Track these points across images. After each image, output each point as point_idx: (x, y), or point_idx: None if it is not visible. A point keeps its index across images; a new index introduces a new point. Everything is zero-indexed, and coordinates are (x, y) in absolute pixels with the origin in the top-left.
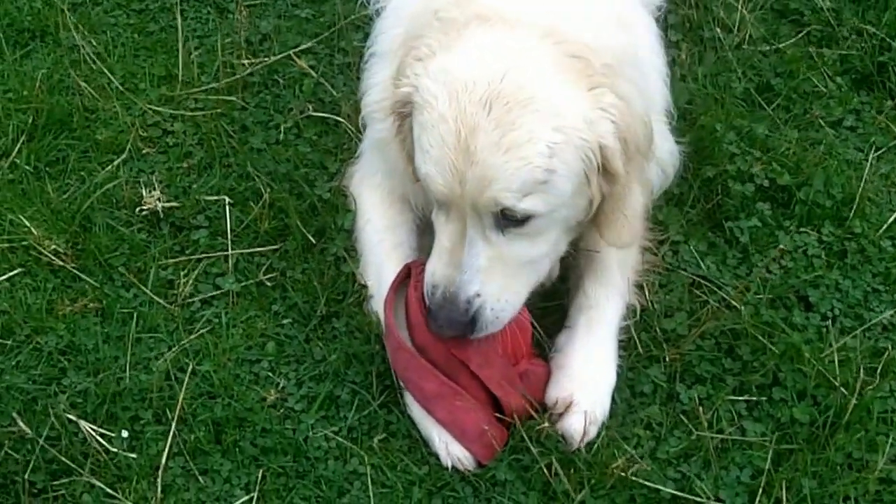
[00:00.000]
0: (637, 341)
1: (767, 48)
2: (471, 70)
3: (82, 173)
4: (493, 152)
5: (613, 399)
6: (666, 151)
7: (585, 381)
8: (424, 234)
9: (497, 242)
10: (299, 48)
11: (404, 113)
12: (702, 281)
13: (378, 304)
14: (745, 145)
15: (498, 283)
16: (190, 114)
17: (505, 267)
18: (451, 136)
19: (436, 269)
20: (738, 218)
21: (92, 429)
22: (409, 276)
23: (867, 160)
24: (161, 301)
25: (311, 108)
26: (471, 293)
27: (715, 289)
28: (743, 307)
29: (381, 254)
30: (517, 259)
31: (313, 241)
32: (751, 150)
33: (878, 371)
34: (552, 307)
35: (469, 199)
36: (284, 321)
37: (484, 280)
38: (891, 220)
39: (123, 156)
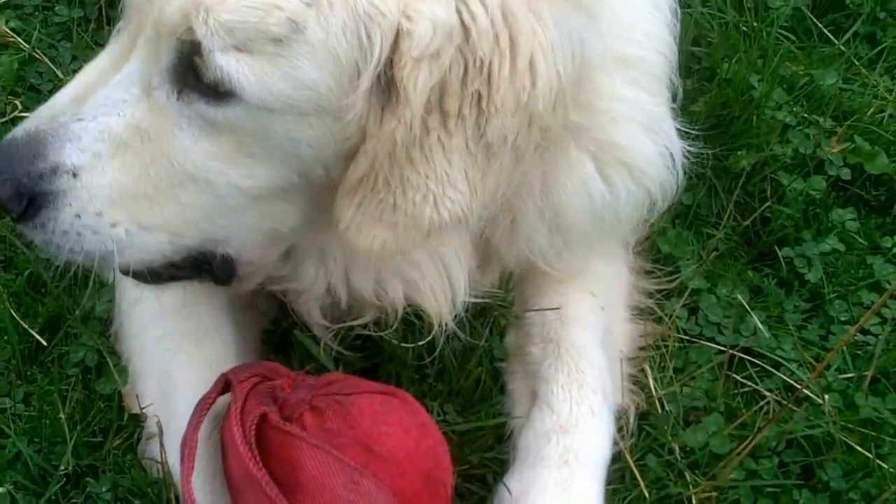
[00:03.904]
0: (638, 474)
1: None
2: None
3: None
4: None
5: None
6: (651, 154)
7: None
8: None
9: (160, 108)
10: None
11: None
12: (744, 356)
13: (170, 446)
14: (804, 109)
15: (125, 182)
16: None
17: (151, 165)
18: None
19: (61, 94)
20: (800, 240)
21: None
22: (226, 391)
23: None
24: None
25: (19, 105)
26: (64, 160)
27: (770, 368)
28: (824, 396)
29: (167, 355)
30: (176, 163)
31: (43, 343)
32: (815, 118)
33: None
34: (480, 431)
35: (157, 5)
36: (0, 490)
37: (101, 155)
38: None
39: None
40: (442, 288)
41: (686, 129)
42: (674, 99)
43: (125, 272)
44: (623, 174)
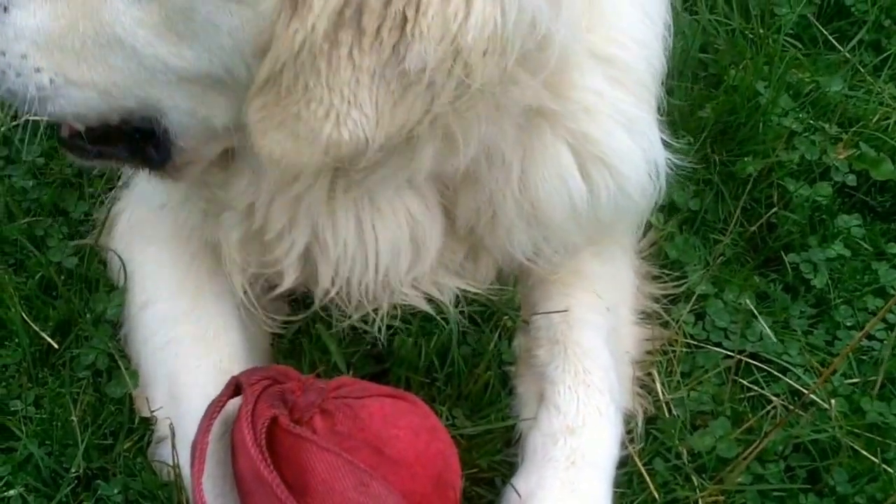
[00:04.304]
0: (648, 477)
1: None
2: None
3: None
4: None
5: None
6: (633, 157)
7: None
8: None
9: None
10: None
11: None
12: (751, 361)
13: (180, 448)
14: (810, 116)
15: (54, 29)
16: None
17: (82, 18)
18: None
19: None
20: (806, 246)
21: None
22: (237, 395)
23: None
24: None
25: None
26: None
27: (776, 373)
28: (830, 401)
29: (176, 360)
30: (105, 23)
31: (55, 345)
32: (820, 125)
33: None
34: (489, 434)
35: None
36: (11, 493)
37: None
38: None
39: None
40: (352, 266)
41: (674, 142)
42: (661, 112)
43: (59, 128)
44: (604, 174)
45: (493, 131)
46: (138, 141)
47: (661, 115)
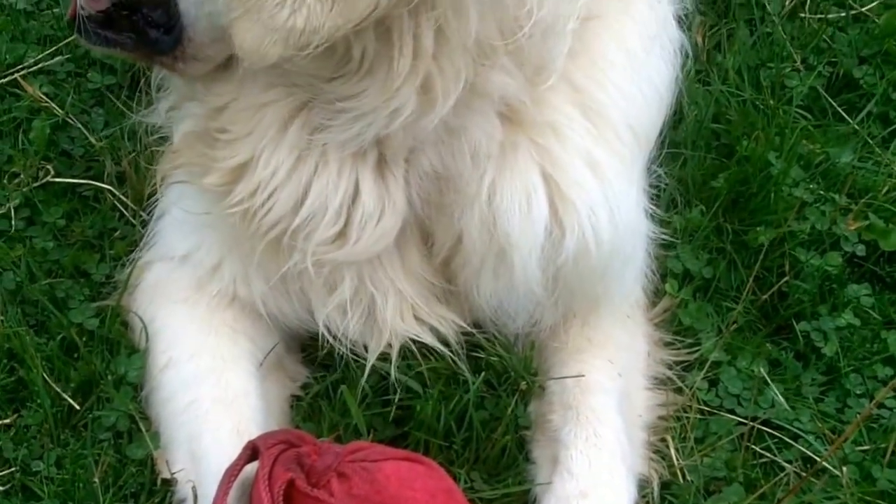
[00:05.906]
0: None
1: (843, 15)
2: None
3: None
4: None
5: None
6: (594, 199)
7: None
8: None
9: None
10: (24, 66)
11: None
12: (763, 428)
13: None
14: (820, 187)
15: None
16: None
17: None
18: None
19: None
20: (817, 314)
21: None
22: (254, 459)
23: None
24: None
25: (51, 169)
26: None
27: (788, 440)
28: (841, 468)
29: (196, 422)
30: None
31: (76, 406)
32: (831, 195)
33: None
34: (507, 498)
35: None
36: None
37: None
38: None
39: None
40: (268, 197)
41: (655, 215)
42: (659, 190)
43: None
44: (572, 217)
45: (472, 118)
46: (144, 29)
47: (662, 189)
